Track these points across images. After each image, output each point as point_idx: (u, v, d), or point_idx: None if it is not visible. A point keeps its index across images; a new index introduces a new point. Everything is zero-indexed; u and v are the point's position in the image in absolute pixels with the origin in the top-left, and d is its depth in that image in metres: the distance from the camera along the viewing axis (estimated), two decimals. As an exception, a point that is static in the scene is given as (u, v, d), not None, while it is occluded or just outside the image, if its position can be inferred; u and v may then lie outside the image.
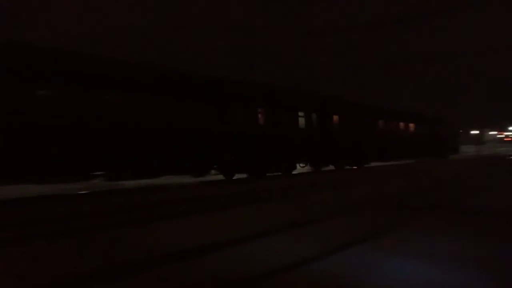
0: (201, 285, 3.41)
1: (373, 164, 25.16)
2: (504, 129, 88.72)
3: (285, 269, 3.72)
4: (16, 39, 10.80)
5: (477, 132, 70.46)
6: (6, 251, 4.77)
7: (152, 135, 12.70)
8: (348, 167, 22.43)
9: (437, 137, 32.33)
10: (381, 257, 4.05)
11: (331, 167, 21.65)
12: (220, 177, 16.16)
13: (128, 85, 12.34)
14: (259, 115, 16.53)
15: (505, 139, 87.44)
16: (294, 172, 18.67)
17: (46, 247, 4.92)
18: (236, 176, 16.23)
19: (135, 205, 8.53)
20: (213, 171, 15.40)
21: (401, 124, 27.98)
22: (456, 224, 5.68)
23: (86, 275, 3.68)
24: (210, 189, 12.24)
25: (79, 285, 3.52)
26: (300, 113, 18.60)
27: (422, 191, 10.23)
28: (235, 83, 16.57)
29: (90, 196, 11.32)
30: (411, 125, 29.22)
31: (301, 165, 20.25)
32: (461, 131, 44.03)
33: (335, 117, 21.14)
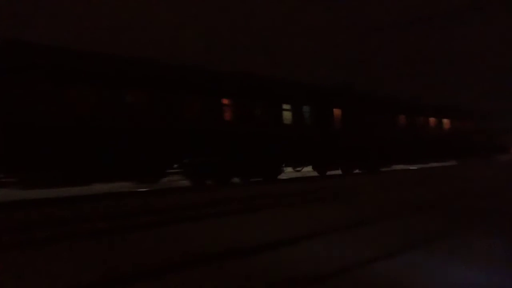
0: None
1: (396, 167, 21.88)
2: None
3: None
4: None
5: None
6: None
7: (70, 133, 10.41)
8: (360, 171, 19.32)
9: (481, 135, 27.40)
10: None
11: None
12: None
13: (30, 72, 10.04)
14: (224, 109, 13.77)
15: None
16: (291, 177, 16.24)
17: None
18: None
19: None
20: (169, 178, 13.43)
21: (434, 120, 23.68)
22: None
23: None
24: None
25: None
26: (286, 106, 15.61)
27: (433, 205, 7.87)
28: (190, 70, 13.61)
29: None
30: (447, 121, 24.89)
31: (297, 169, 17.72)
32: None
33: (342, 112, 17.84)
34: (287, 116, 15.64)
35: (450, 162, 26.31)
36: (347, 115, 18.18)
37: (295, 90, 16.72)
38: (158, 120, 12.11)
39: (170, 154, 12.36)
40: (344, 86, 19.94)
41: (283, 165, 16.12)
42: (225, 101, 13.88)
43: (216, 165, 13.55)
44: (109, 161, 11.12)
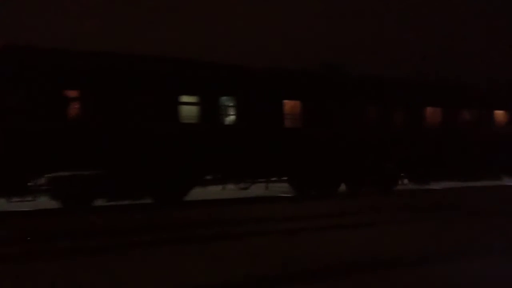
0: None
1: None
2: None
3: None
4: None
5: None
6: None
7: None
8: (356, 189, 14.18)
9: None
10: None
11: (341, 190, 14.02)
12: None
13: None
14: (74, 101, 10.42)
15: None
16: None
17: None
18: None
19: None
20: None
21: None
22: None
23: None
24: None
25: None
26: (192, 99, 11.51)
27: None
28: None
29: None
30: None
31: (242, 186, 13.35)
32: None
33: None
34: (192, 111, 11.49)
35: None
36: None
37: (209, 72, 12.30)
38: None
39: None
40: (333, 65, 14.35)
41: (197, 181, 12.06)
42: (73, 93, 10.53)
43: (90, 181, 10.40)
44: None
